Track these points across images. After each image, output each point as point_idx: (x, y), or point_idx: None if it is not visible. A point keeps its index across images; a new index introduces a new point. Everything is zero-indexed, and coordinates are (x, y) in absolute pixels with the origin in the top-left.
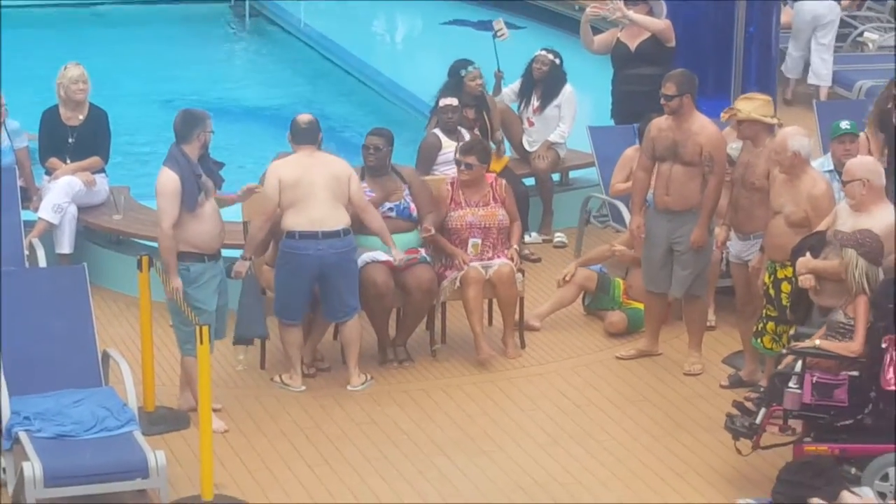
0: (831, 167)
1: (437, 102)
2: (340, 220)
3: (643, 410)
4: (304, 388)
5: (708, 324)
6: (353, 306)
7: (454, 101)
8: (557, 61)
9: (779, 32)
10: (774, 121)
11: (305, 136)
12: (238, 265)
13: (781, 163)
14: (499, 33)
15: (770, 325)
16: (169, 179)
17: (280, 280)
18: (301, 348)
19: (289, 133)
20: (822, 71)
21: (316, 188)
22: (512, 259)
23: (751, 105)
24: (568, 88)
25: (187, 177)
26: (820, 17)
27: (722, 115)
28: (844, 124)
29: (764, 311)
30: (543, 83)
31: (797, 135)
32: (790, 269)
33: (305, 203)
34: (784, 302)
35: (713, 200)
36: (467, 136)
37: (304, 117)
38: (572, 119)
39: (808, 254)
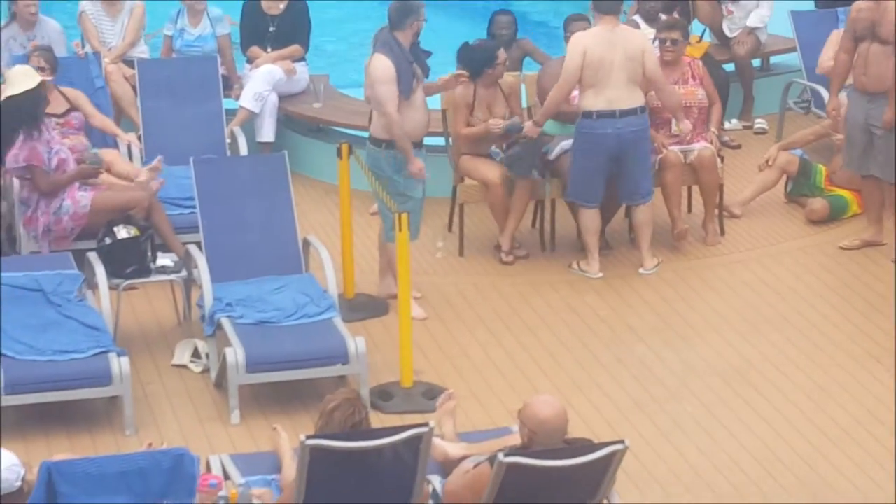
0: None
1: None
2: (636, 100)
3: (844, 298)
4: (601, 274)
5: None
6: (647, 189)
7: None
8: None
9: None
10: None
11: (608, 6)
12: (530, 128)
13: None
14: None
15: None
16: (384, 65)
17: (577, 163)
18: (598, 234)
19: (591, 2)
20: None
21: (614, 70)
22: (711, 142)
23: None
24: None
25: (401, 63)
26: None
27: None
28: None
29: None
30: None
31: None
32: None
33: (603, 85)
34: None
35: None
36: None
37: None
38: (771, 3)
39: None
